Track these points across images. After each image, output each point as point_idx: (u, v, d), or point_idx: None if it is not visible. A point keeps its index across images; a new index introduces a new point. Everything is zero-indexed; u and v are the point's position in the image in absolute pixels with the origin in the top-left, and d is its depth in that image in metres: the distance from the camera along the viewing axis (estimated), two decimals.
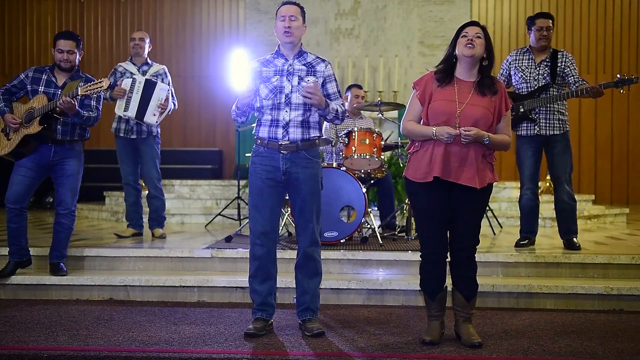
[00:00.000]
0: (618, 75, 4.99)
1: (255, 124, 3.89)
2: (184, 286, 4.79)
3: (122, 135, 5.90)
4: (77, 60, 4.89)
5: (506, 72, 5.41)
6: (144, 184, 6.13)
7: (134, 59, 6.01)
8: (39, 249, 5.18)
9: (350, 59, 10.29)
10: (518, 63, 5.32)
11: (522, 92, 5.28)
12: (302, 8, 3.85)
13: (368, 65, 10.17)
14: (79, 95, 4.60)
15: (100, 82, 4.61)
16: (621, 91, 5.04)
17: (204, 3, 11.02)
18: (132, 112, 5.70)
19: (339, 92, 3.91)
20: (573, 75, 5.17)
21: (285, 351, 3.49)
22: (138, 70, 5.92)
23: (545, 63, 5.23)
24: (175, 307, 4.55)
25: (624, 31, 10.51)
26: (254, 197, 3.81)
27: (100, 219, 8.01)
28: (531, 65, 5.27)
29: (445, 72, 3.57)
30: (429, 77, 3.60)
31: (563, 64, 5.21)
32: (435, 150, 3.48)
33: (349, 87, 6.55)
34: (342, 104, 3.90)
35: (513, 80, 5.37)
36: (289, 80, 3.76)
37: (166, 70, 6.02)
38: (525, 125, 5.24)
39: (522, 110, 5.18)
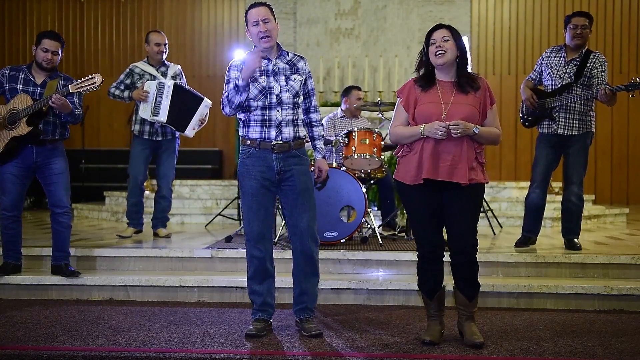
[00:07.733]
0: (632, 79, 4.85)
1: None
2: (184, 286, 4.80)
3: (146, 137, 5.79)
4: (57, 62, 4.78)
5: (539, 69, 5.34)
6: (147, 184, 6.11)
7: (150, 60, 5.89)
8: (39, 249, 5.18)
9: (350, 59, 10.28)
10: (549, 60, 5.26)
11: (547, 89, 5.23)
12: (269, 6, 3.80)
13: (368, 65, 10.16)
14: (69, 92, 4.49)
15: (92, 77, 4.48)
16: (630, 95, 4.90)
17: (204, 3, 11.02)
18: (162, 117, 5.53)
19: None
20: (598, 77, 5.07)
21: (285, 351, 3.49)
22: (157, 71, 5.82)
23: (574, 62, 5.16)
24: (175, 307, 4.55)
25: (624, 31, 10.50)
26: (248, 198, 3.79)
27: (100, 219, 8.01)
28: (561, 62, 5.21)
29: (426, 78, 3.58)
30: (411, 83, 3.62)
31: (592, 64, 5.12)
32: (425, 151, 3.47)
33: (350, 89, 6.49)
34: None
35: (543, 77, 5.32)
36: (276, 80, 3.77)
37: (180, 69, 6.00)
38: (547, 123, 5.21)
39: (546, 107, 5.14)
